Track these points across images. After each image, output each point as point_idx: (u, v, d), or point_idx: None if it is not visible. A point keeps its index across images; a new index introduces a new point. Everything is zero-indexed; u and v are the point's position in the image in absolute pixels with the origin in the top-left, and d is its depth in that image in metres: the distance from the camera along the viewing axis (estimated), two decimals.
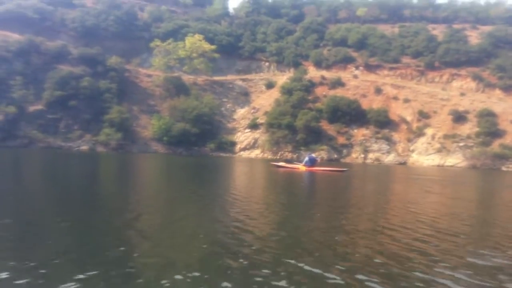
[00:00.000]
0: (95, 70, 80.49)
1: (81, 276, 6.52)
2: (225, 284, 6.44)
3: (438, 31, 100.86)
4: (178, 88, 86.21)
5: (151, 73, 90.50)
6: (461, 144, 73.50)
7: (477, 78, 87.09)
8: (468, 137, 73.73)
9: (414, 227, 11.80)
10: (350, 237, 10.16)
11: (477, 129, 73.79)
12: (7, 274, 6.41)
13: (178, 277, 6.73)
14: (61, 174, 26.83)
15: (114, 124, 73.51)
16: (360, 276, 7.15)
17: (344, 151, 77.50)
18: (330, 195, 21.33)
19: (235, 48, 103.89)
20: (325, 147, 76.43)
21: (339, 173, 35.67)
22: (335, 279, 6.97)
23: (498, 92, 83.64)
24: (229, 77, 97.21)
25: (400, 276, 7.41)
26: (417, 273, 7.59)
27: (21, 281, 6.19)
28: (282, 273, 7.05)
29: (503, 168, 67.40)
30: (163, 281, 6.54)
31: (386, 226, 11.72)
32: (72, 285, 6.14)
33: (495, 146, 70.53)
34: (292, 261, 7.77)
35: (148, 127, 79.25)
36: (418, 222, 12.63)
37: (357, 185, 27.90)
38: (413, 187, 27.56)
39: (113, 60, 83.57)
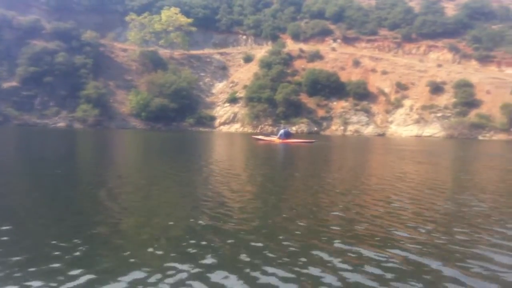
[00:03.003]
0: (70, 45, 79.02)
1: (62, 252, 6.26)
2: (209, 258, 6.21)
3: (415, 3, 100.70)
4: (155, 63, 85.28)
5: (126, 47, 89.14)
6: (438, 114, 74.38)
7: (453, 49, 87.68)
8: (446, 107, 74.59)
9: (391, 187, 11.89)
10: (328, 203, 10.21)
11: (454, 100, 74.58)
12: None
13: (160, 251, 6.54)
14: (37, 151, 26.09)
15: (91, 100, 72.52)
16: (343, 245, 7.07)
17: (324, 123, 77.80)
18: (302, 165, 21.70)
19: (211, 21, 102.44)
20: (305, 120, 76.71)
21: (308, 144, 37.99)
22: (319, 248, 6.82)
23: (474, 63, 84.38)
24: (206, 51, 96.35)
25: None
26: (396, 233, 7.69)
27: None
28: (263, 244, 6.94)
29: (480, 137, 68.53)
30: (146, 255, 6.34)
31: (363, 190, 12.05)
32: (54, 262, 5.88)
33: (472, 116, 71.49)
34: (274, 233, 7.65)
35: (125, 102, 78.33)
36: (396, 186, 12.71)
37: (330, 156, 28.24)
38: (392, 156, 27.83)
39: (88, 35, 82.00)
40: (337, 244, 7.04)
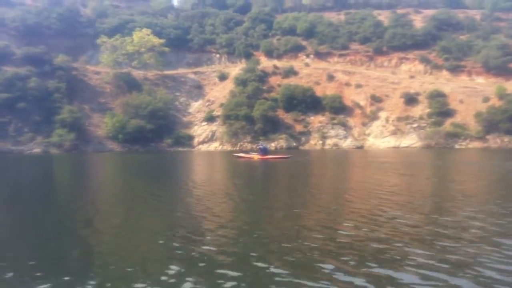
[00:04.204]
0: (42, 69, 77.94)
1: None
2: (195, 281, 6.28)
3: (384, 16, 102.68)
4: (129, 84, 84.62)
5: (99, 70, 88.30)
6: (414, 125, 75.50)
7: (424, 60, 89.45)
8: (421, 118, 75.78)
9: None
10: (314, 223, 10.18)
11: (428, 110, 75.86)
12: None
13: (143, 276, 6.59)
14: (12, 179, 25.40)
15: (66, 125, 71.52)
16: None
17: (303, 138, 78.12)
18: (281, 181, 22.23)
19: (184, 41, 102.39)
20: (283, 135, 76.88)
21: (284, 160, 39.49)
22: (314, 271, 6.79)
23: (445, 73, 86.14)
24: (180, 71, 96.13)
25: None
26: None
27: None
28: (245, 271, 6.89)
29: (456, 146, 69.76)
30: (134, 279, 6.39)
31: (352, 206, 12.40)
32: None
33: (447, 125, 72.84)
34: (262, 254, 7.65)
35: (101, 125, 77.39)
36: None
37: (311, 172, 28.68)
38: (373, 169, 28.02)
39: (60, 59, 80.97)
40: (333, 265, 6.99)
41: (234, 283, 6.19)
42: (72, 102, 76.61)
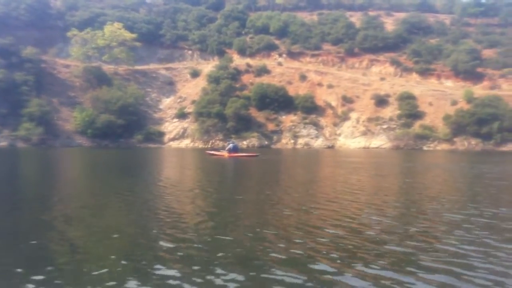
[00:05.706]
0: (9, 61, 75.90)
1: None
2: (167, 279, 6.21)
3: (355, 18, 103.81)
4: (99, 79, 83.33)
5: (69, 63, 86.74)
6: (384, 126, 76.53)
7: (395, 63, 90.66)
8: (391, 119, 76.85)
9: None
10: (285, 222, 10.09)
11: (398, 112, 77.06)
12: None
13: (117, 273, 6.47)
14: None
15: (34, 118, 70.02)
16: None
17: (275, 137, 78.32)
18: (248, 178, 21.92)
19: (155, 37, 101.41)
20: (255, 134, 76.93)
21: (253, 158, 40.31)
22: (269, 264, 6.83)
23: (415, 75, 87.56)
24: (152, 66, 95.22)
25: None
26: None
27: None
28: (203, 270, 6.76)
29: (425, 148, 71.08)
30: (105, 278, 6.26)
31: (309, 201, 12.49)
32: None
33: (416, 127, 74.14)
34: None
35: (70, 120, 76.03)
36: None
37: (278, 169, 29.01)
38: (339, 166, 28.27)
39: (28, 51, 79.14)
40: (303, 262, 6.96)
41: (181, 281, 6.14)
42: (40, 95, 74.86)
